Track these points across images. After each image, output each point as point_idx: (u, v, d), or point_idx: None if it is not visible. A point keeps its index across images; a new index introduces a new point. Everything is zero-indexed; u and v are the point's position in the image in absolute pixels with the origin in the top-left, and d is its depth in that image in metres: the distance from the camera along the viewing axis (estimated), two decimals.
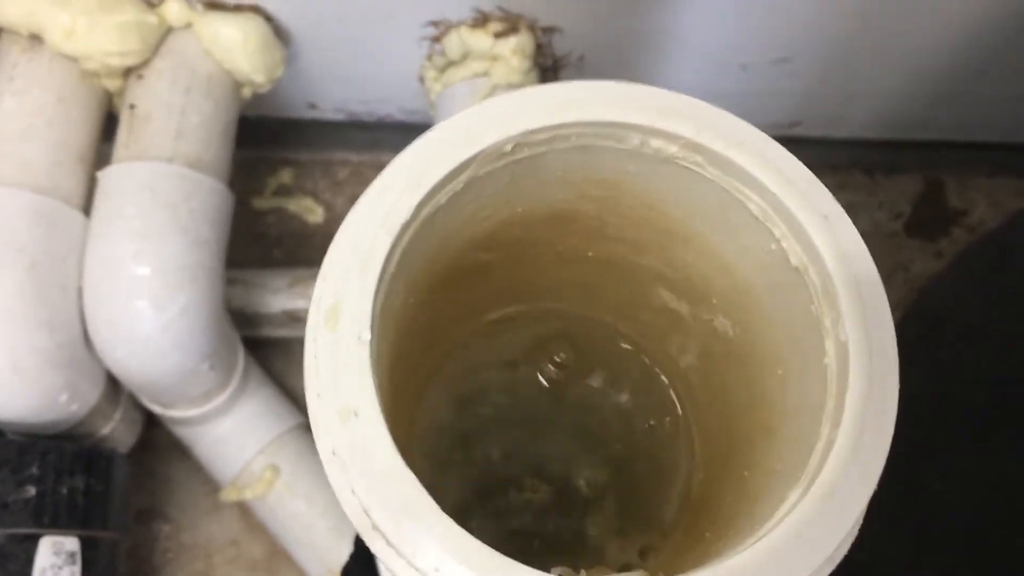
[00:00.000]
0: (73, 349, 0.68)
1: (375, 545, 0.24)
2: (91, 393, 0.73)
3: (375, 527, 0.23)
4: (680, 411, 0.39)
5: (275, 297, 0.88)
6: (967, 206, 1.05)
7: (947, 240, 1.04)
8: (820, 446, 0.25)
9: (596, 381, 0.40)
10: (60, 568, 0.67)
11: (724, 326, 0.33)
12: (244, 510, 0.89)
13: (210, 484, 0.89)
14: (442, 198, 0.26)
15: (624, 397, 0.40)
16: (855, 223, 0.26)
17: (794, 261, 0.27)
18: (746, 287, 0.30)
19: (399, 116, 0.89)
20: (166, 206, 0.67)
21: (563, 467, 0.41)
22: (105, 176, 0.69)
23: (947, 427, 0.62)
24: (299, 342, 0.94)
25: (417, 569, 0.23)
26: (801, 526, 0.23)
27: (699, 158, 0.27)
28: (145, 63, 0.71)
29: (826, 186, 0.27)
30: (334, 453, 0.24)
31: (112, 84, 0.72)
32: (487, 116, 0.26)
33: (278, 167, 0.99)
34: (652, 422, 0.40)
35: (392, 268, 0.26)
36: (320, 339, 0.24)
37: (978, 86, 0.87)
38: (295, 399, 0.91)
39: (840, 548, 0.24)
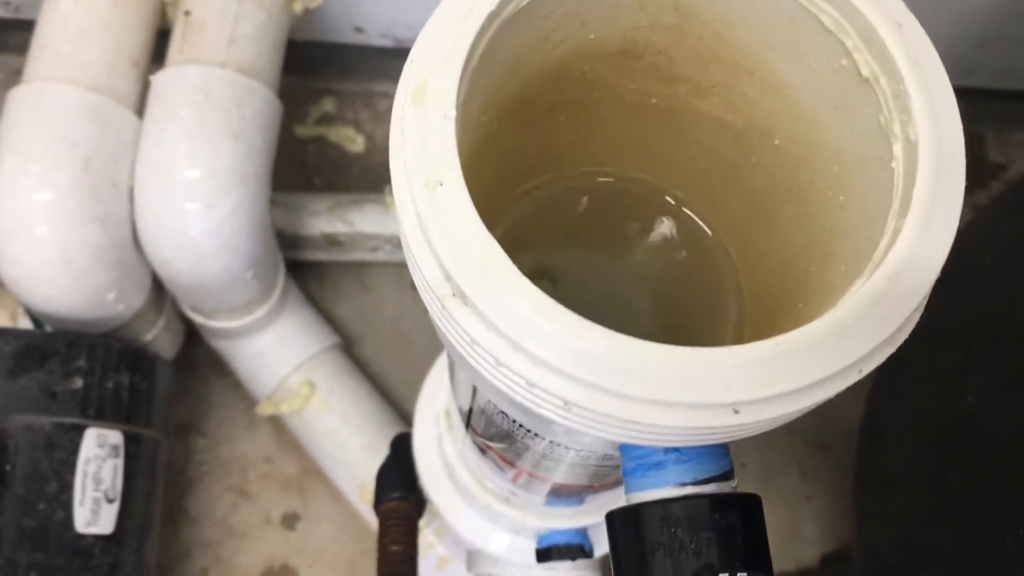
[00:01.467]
0: (123, 248, 0.70)
1: (454, 312, 0.25)
2: (137, 296, 0.74)
3: (456, 291, 0.24)
4: (730, 272, 0.40)
5: (315, 220, 0.89)
6: (1006, 160, 1.05)
7: (985, 194, 1.04)
8: (884, 241, 0.26)
9: (644, 242, 0.41)
10: (104, 460, 0.69)
11: (783, 169, 0.34)
12: (279, 428, 0.91)
13: (246, 402, 0.91)
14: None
15: (673, 259, 0.41)
16: None
17: (865, 72, 0.28)
18: (810, 116, 0.31)
19: None
20: (219, 109, 0.68)
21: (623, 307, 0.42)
22: (159, 79, 0.70)
23: (974, 347, 0.62)
24: (337, 267, 0.95)
25: (496, 328, 0.24)
26: (866, 304, 0.24)
27: None
28: None
29: None
30: (418, 219, 0.25)
31: None
32: None
33: (321, 96, 1.00)
34: (701, 288, 0.41)
35: (475, 61, 0.27)
36: (407, 116, 0.25)
37: (1018, 31, 0.87)
38: (332, 322, 0.93)
39: (900, 331, 0.25)
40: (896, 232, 0.25)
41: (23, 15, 0.87)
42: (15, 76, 0.96)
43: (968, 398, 0.58)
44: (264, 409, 0.86)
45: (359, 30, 0.88)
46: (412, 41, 0.80)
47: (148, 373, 0.74)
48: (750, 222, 0.37)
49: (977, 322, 0.65)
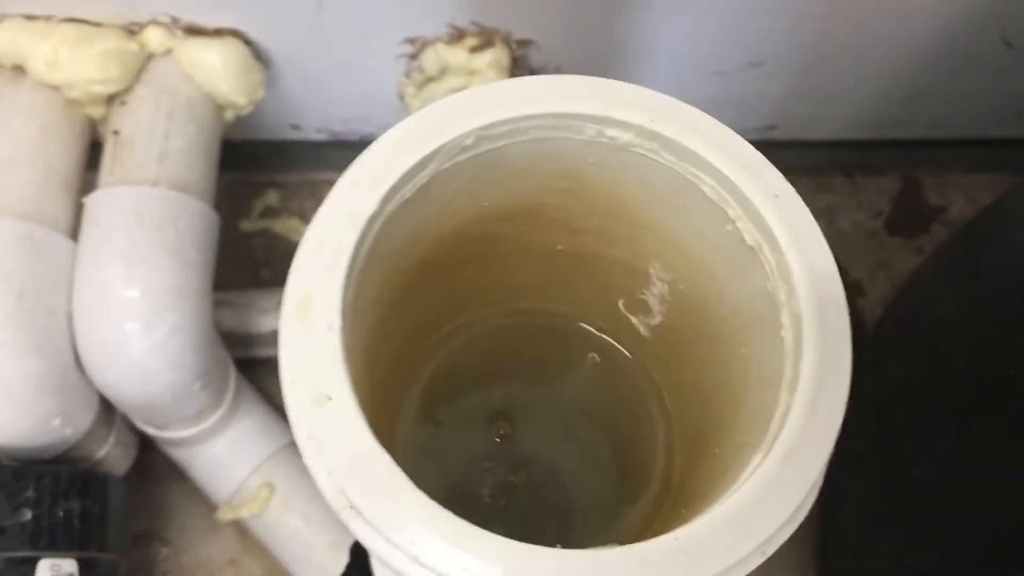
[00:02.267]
0: (65, 373, 0.69)
1: (353, 524, 0.24)
2: (84, 417, 0.73)
3: (352, 506, 0.24)
4: (656, 399, 0.40)
5: (264, 317, 0.89)
6: (945, 203, 1.06)
7: (927, 237, 1.05)
8: (779, 412, 0.26)
9: (572, 375, 0.41)
10: None
11: (692, 312, 0.34)
12: (242, 530, 0.90)
13: (207, 506, 0.90)
14: (408, 191, 0.27)
15: (602, 388, 0.41)
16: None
17: (749, 240, 0.28)
18: (709, 271, 0.31)
19: (380, 135, 0.90)
20: (153, 228, 0.68)
21: (546, 462, 0.42)
22: (91, 201, 0.70)
23: (928, 414, 0.63)
24: None
25: (394, 544, 0.24)
26: (760, 488, 0.24)
27: (654, 145, 0.28)
28: (127, 90, 0.72)
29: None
30: (310, 437, 0.25)
31: (95, 111, 0.73)
32: (447, 112, 0.27)
33: (264, 189, 1.00)
34: (630, 413, 0.41)
35: (361, 262, 0.27)
36: (293, 329, 0.25)
37: (949, 83, 0.89)
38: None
39: (800, 510, 0.25)
40: (787, 409, 0.25)
41: None
42: None
43: (915, 470, 0.58)
44: (224, 514, 0.85)
45: (295, 127, 0.89)
46: (349, 134, 0.80)
47: (100, 495, 0.73)
48: (668, 356, 0.37)
49: (923, 385, 0.66)
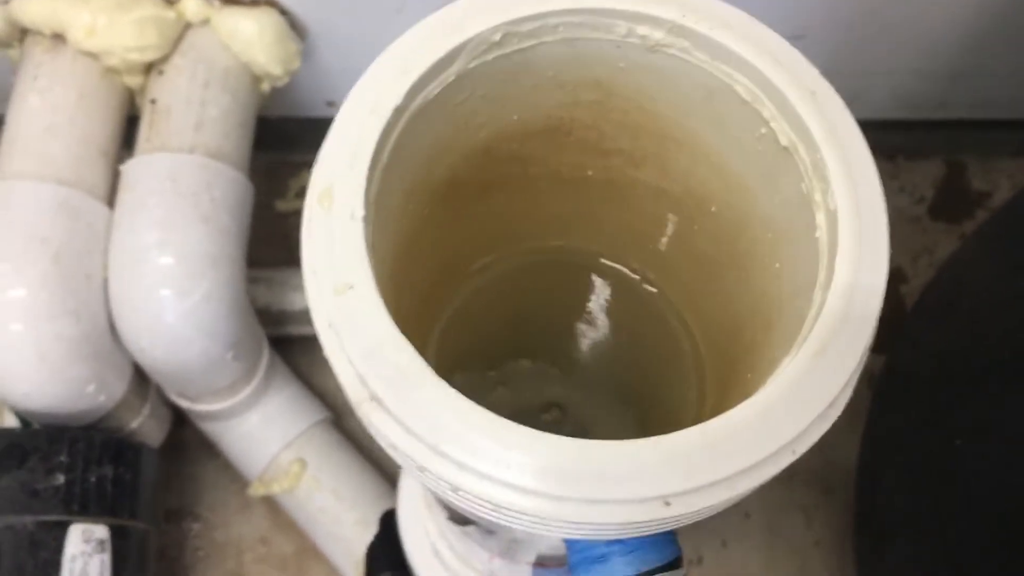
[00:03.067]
0: (99, 339, 0.70)
1: (373, 416, 0.24)
2: (118, 384, 0.74)
3: (372, 396, 0.24)
4: (686, 335, 0.39)
5: (298, 294, 0.89)
6: (990, 188, 1.04)
7: (971, 222, 1.03)
8: (811, 313, 0.25)
9: (599, 313, 0.40)
10: (90, 555, 0.68)
11: (724, 233, 0.33)
12: (273, 507, 0.90)
13: (238, 483, 0.90)
14: (433, 89, 0.27)
15: (629, 327, 0.40)
16: None
17: (783, 141, 0.27)
18: (741, 184, 0.30)
19: None
20: (187, 195, 0.68)
21: (569, 408, 0.42)
22: (127, 168, 0.70)
23: (967, 388, 0.61)
24: None
25: (414, 434, 0.23)
26: (793, 383, 0.23)
27: (686, 43, 0.27)
28: (164, 58, 0.73)
29: None
30: (330, 326, 0.24)
31: (133, 80, 0.73)
32: (474, 6, 0.27)
33: (300, 169, 1.01)
34: (660, 352, 0.40)
35: (385, 158, 0.26)
36: (315, 219, 0.25)
37: (993, 62, 0.87)
38: (321, 396, 0.92)
39: (832, 407, 0.24)
40: (821, 304, 0.24)
41: None
42: None
43: (957, 442, 0.56)
44: (256, 490, 0.85)
45: (331, 104, 0.89)
46: None
47: (133, 463, 0.73)
48: (699, 287, 0.36)
49: (965, 359, 0.64)
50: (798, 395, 0.23)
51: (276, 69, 0.75)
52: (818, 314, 0.24)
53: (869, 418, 0.71)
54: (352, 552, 0.84)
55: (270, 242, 0.96)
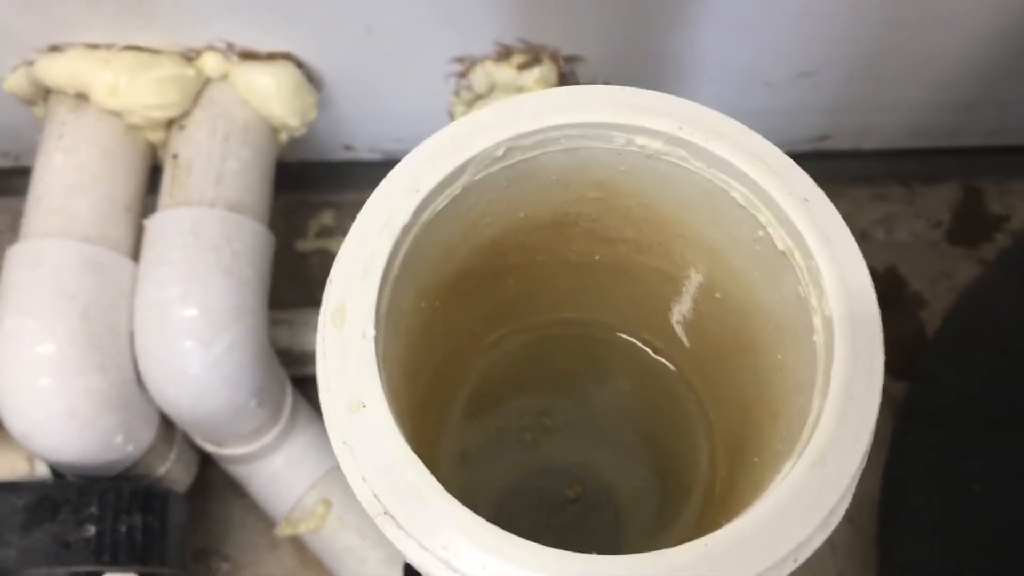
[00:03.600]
0: (126, 391, 0.71)
1: (387, 530, 0.25)
2: (146, 434, 0.75)
3: (386, 512, 0.25)
4: (698, 408, 0.40)
5: None
6: (1008, 211, 1.04)
7: (990, 246, 1.03)
8: (811, 418, 0.26)
9: (613, 386, 0.41)
10: None
11: (730, 319, 0.34)
12: (300, 546, 0.91)
13: (265, 522, 0.91)
14: (441, 202, 0.28)
15: (643, 399, 0.41)
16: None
17: (780, 246, 0.28)
18: (744, 278, 0.31)
19: None
20: (209, 248, 0.70)
21: (594, 475, 0.42)
22: (151, 223, 0.72)
23: (988, 428, 0.61)
24: None
25: (426, 549, 0.24)
26: (791, 493, 0.24)
27: (683, 152, 0.28)
28: (185, 114, 0.74)
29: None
30: (344, 443, 0.25)
31: (155, 136, 0.75)
32: (479, 123, 0.28)
33: (319, 209, 1.02)
34: (672, 424, 0.41)
35: (396, 270, 0.27)
36: (328, 337, 0.26)
37: (1007, 90, 0.87)
38: None
39: (833, 515, 0.25)
40: (819, 413, 0.25)
41: (23, 163, 0.90)
42: (21, 219, 0.99)
43: (973, 487, 0.57)
44: (283, 530, 0.86)
45: (348, 147, 0.90)
46: (400, 153, 0.81)
47: (160, 511, 0.74)
48: (709, 365, 0.37)
49: (983, 398, 0.64)
50: (797, 506, 0.24)
51: (294, 121, 0.76)
52: (816, 421, 0.25)
53: (890, 450, 0.72)
54: None
55: (291, 282, 0.98)
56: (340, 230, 1.02)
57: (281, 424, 0.83)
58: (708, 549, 0.24)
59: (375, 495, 0.25)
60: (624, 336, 0.41)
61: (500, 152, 0.28)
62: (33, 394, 0.67)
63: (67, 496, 0.69)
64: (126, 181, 0.74)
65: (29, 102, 0.77)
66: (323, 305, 0.27)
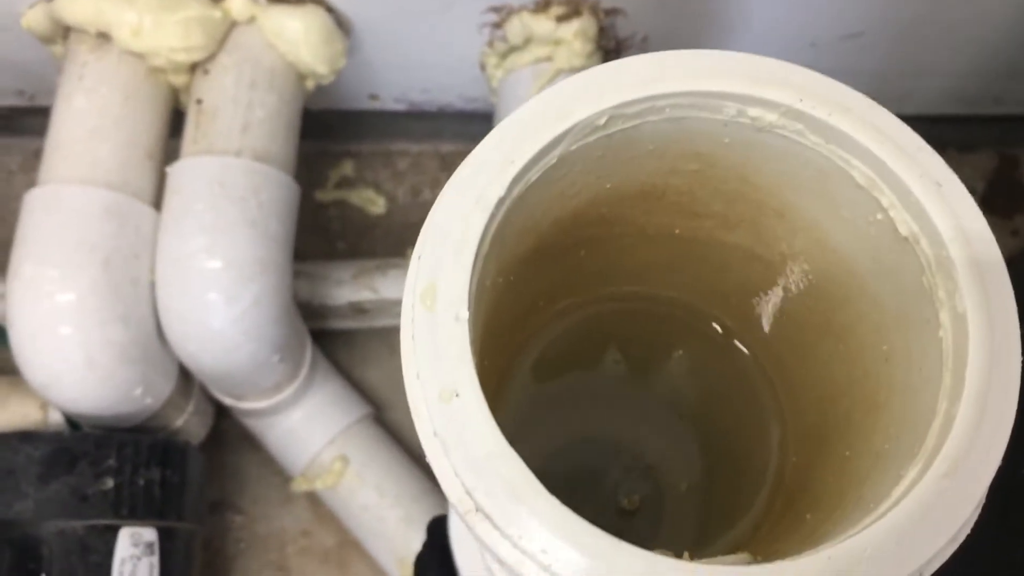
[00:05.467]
0: (147, 343, 0.69)
1: (478, 528, 0.23)
2: (164, 386, 0.74)
3: (478, 509, 0.23)
4: (770, 393, 0.38)
5: (340, 289, 0.88)
6: None
7: (1022, 217, 1.01)
8: (938, 423, 0.24)
9: (678, 364, 0.39)
10: (139, 559, 0.68)
11: (822, 305, 0.32)
12: (315, 501, 0.90)
13: (281, 476, 0.90)
14: (534, 175, 0.26)
15: (709, 380, 0.39)
16: None
17: (903, 231, 0.26)
18: (846, 262, 0.29)
19: (459, 104, 0.88)
20: (236, 200, 0.68)
21: (651, 456, 0.41)
22: (174, 171, 0.69)
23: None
24: (364, 334, 0.94)
25: (523, 551, 0.22)
26: (923, 505, 0.22)
27: (800, 126, 0.26)
28: (210, 58, 0.72)
29: None
30: (435, 435, 0.23)
31: (178, 80, 0.72)
32: (579, 90, 0.25)
33: (340, 159, 0.99)
34: (741, 408, 0.39)
35: (485, 248, 0.25)
36: (417, 319, 0.24)
37: None
38: (361, 390, 0.91)
39: (963, 528, 0.23)
40: (950, 418, 0.23)
41: (38, 103, 0.87)
42: (34, 159, 0.97)
43: (1021, 471, 0.55)
44: (299, 486, 0.85)
45: (373, 97, 0.87)
46: (427, 104, 0.78)
47: (179, 465, 0.73)
48: (787, 349, 0.35)
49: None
50: (928, 520, 0.22)
51: (322, 68, 0.73)
52: (947, 428, 0.23)
53: None
54: (395, 549, 0.84)
55: (309, 233, 0.96)
56: (360, 181, 1.00)
57: (300, 379, 0.82)
58: (831, 563, 0.22)
59: (467, 491, 0.23)
60: (693, 314, 0.39)
61: (602, 121, 0.26)
62: (52, 344, 0.65)
63: (85, 448, 0.68)
64: (148, 126, 0.71)
65: (47, 40, 0.74)
66: (409, 282, 0.25)
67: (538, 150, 0.25)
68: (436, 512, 0.71)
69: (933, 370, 0.25)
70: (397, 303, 0.89)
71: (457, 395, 0.23)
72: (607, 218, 0.32)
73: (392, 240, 0.98)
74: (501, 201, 0.25)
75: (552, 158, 0.26)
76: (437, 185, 0.99)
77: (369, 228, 0.99)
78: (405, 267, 0.87)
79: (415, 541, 0.82)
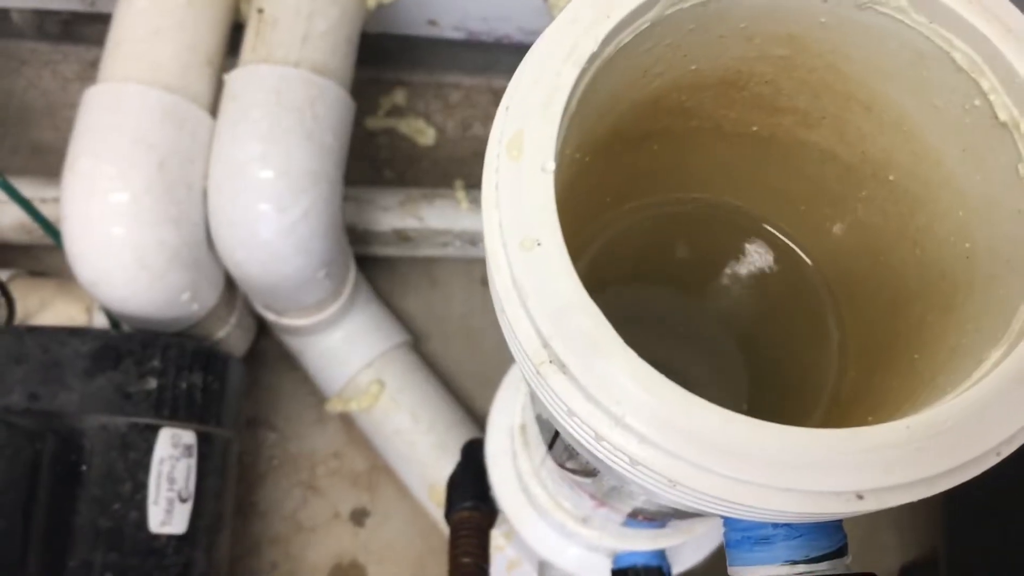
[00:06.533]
0: (196, 249, 0.70)
1: (551, 379, 0.23)
2: (211, 294, 0.74)
3: (554, 359, 0.23)
4: (832, 307, 0.37)
5: (386, 215, 0.88)
6: None
7: None
8: None
9: (735, 280, 0.39)
10: (177, 459, 0.69)
11: (901, 206, 0.31)
12: (348, 423, 0.91)
13: (316, 397, 0.91)
14: (626, 37, 0.25)
15: (767, 297, 0.39)
16: None
17: (1003, 116, 0.25)
18: (933, 155, 0.28)
19: (517, 36, 0.87)
20: (292, 110, 0.67)
21: (697, 377, 0.40)
22: (232, 79, 0.69)
23: None
24: (406, 263, 0.94)
25: (597, 402, 0.22)
26: (1008, 381, 0.22)
27: (903, 2, 0.25)
28: None
29: None
30: (513, 283, 0.23)
31: None
32: None
33: (392, 87, 0.99)
34: (800, 322, 0.38)
35: (573, 106, 0.25)
36: (502, 168, 0.24)
37: None
38: (401, 318, 0.92)
39: None
40: None
41: (99, 8, 0.87)
42: (90, 68, 0.97)
43: None
44: (333, 406, 0.86)
45: (432, 23, 0.87)
46: (485, 34, 0.78)
47: (220, 372, 0.74)
48: (856, 258, 0.35)
49: None
50: (1011, 397, 0.22)
51: None
52: None
53: None
54: (425, 474, 0.84)
55: (359, 159, 0.96)
56: (411, 110, 0.99)
57: (343, 299, 0.82)
58: (911, 432, 0.22)
59: (543, 340, 0.23)
60: (763, 225, 0.38)
61: None
62: (105, 242, 0.65)
63: (130, 347, 0.68)
64: (209, 32, 0.71)
65: None
66: (495, 132, 0.24)
67: (634, 7, 0.24)
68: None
69: (1019, 259, 0.24)
70: (441, 233, 0.89)
71: (539, 243, 0.23)
72: (685, 107, 0.32)
73: (439, 172, 0.97)
74: (593, 57, 0.24)
75: (645, 21, 0.25)
76: (488, 120, 0.98)
77: (417, 158, 0.99)
78: (451, 198, 0.87)
79: (446, 467, 0.82)
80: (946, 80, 0.26)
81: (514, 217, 0.23)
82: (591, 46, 0.24)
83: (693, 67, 0.29)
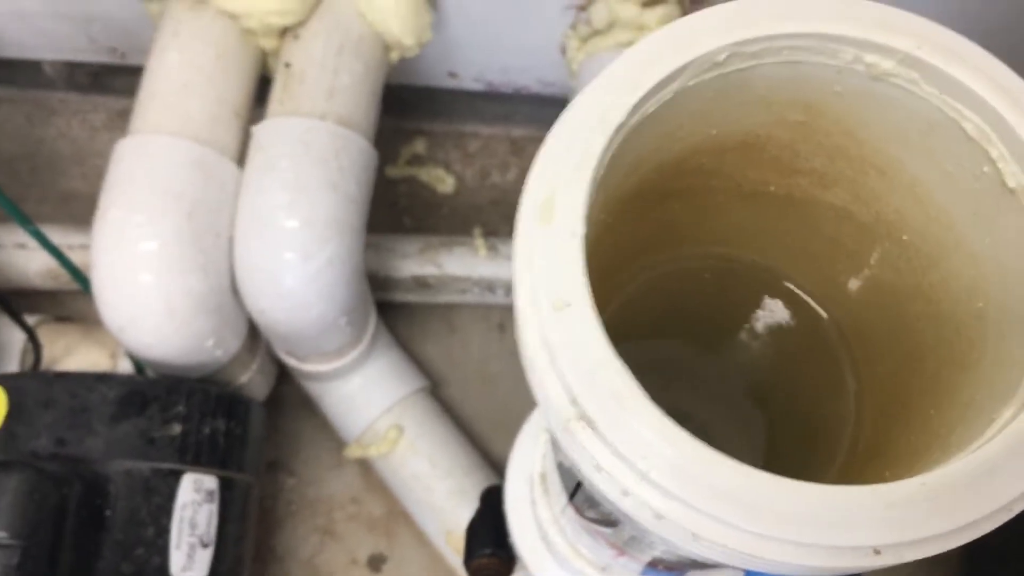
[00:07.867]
0: (222, 296, 0.71)
1: (579, 435, 0.24)
2: (234, 341, 0.75)
3: (582, 416, 0.24)
4: (848, 361, 0.38)
5: (405, 262, 0.90)
6: None
7: None
8: None
9: (751, 335, 0.40)
10: (200, 504, 0.70)
11: (912, 264, 0.32)
12: (366, 469, 0.91)
13: (335, 442, 0.92)
14: (651, 107, 0.27)
15: (783, 352, 0.40)
16: None
17: (1011, 183, 0.26)
18: (944, 218, 0.30)
19: (535, 88, 0.89)
20: (318, 161, 0.69)
21: (714, 433, 0.41)
22: (260, 130, 0.71)
23: None
24: (426, 308, 0.95)
25: (623, 456, 0.23)
26: (1020, 440, 0.23)
27: (915, 75, 0.27)
28: (301, 23, 0.73)
29: None
30: (544, 343, 0.24)
31: (268, 43, 0.74)
32: (699, 25, 0.26)
33: (412, 137, 1.01)
34: (817, 376, 0.39)
35: (601, 171, 0.26)
36: (533, 232, 0.25)
37: None
38: (419, 363, 0.93)
39: None
40: None
41: (128, 61, 0.90)
42: (118, 118, 1.00)
43: None
44: (352, 452, 0.87)
45: (453, 75, 0.89)
46: (504, 85, 0.79)
47: (243, 418, 0.75)
48: (872, 312, 0.36)
49: None
50: (1021, 458, 0.23)
51: (409, 39, 0.75)
52: None
53: None
54: (443, 520, 0.85)
55: (379, 206, 0.97)
56: (431, 159, 1.01)
57: (363, 345, 0.83)
58: (925, 488, 0.23)
59: (572, 398, 0.24)
60: (774, 279, 0.39)
61: (722, 57, 0.26)
62: (133, 289, 0.67)
63: (156, 393, 0.70)
64: (237, 86, 0.73)
65: None
66: (525, 195, 0.26)
67: (661, 78, 0.26)
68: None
69: None
70: (460, 280, 0.90)
71: (568, 305, 0.24)
72: (706, 168, 0.33)
73: (458, 219, 0.99)
74: (621, 126, 0.26)
75: (669, 92, 0.27)
76: (506, 168, 1.00)
77: (436, 206, 1.00)
78: (470, 245, 0.89)
79: (464, 513, 0.83)
80: (957, 148, 0.27)
81: (545, 279, 0.24)
82: (620, 115, 0.26)
83: (714, 131, 0.31)
